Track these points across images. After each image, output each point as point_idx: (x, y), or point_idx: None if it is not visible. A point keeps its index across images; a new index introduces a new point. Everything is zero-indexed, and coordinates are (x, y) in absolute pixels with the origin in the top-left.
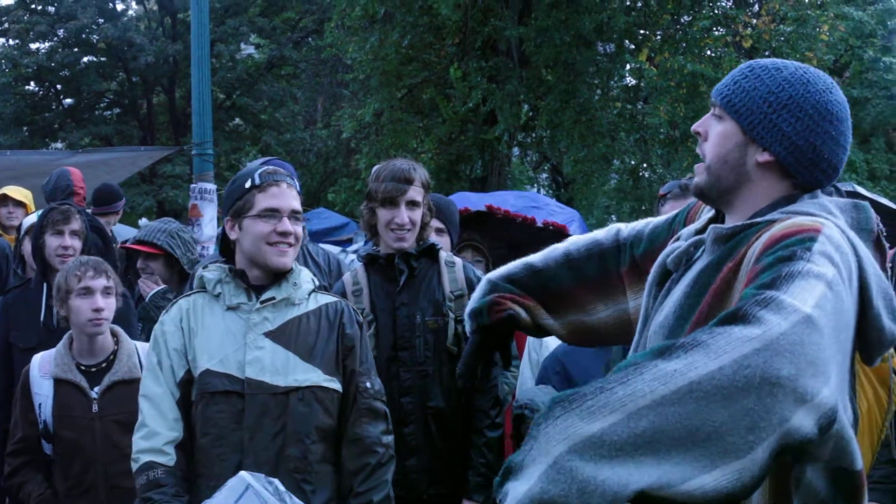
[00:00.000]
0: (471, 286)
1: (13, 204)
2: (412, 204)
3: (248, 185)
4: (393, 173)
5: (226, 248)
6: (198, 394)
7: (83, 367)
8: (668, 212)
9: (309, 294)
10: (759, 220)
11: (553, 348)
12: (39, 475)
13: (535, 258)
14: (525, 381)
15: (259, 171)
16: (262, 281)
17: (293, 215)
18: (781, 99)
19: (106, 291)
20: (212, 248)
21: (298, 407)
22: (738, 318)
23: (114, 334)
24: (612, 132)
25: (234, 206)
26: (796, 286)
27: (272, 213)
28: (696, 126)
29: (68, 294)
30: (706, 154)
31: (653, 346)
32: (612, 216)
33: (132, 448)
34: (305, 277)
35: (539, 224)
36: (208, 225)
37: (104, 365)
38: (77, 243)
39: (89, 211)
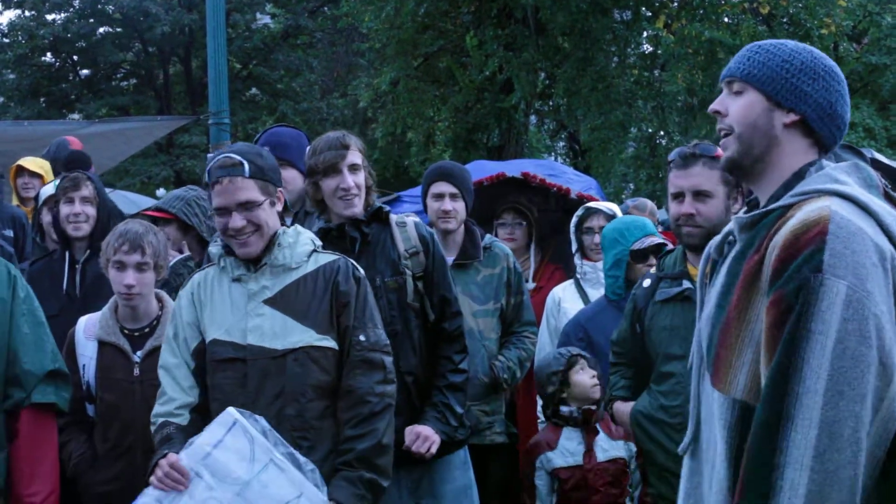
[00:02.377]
0: (424, 242)
1: (29, 175)
2: (354, 168)
3: (206, 179)
4: (329, 142)
5: None
6: (208, 362)
7: (127, 331)
8: (671, 182)
9: (309, 255)
10: (773, 207)
11: (571, 314)
12: (83, 435)
13: None
14: (543, 346)
15: (209, 165)
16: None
17: (242, 207)
18: (796, 64)
19: (139, 267)
20: None
21: (294, 368)
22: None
23: (159, 299)
24: (629, 100)
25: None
26: (815, 341)
27: (221, 212)
28: (714, 106)
29: (108, 262)
30: (732, 125)
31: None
32: (630, 184)
33: (151, 416)
34: (304, 240)
35: (573, 196)
36: None
37: (147, 330)
38: (89, 209)
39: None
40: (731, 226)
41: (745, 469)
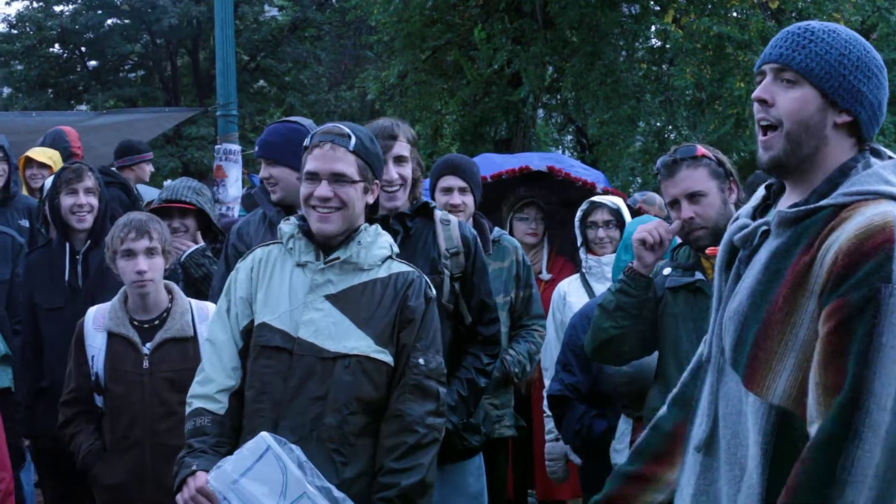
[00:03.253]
0: (466, 244)
1: (37, 166)
2: (399, 159)
3: (306, 143)
4: (376, 131)
5: None
6: (253, 345)
7: (136, 323)
8: (664, 192)
9: (383, 261)
10: (823, 204)
11: (576, 308)
12: (91, 426)
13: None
14: (549, 340)
15: (313, 131)
16: (334, 241)
17: (336, 179)
18: (852, 60)
19: (149, 252)
20: (237, 210)
21: (343, 375)
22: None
23: (169, 291)
24: (637, 94)
25: (301, 164)
26: (887, 356)
27: (311, 177)
28: (759, 93)
29: (115, 254)
30: (781, 119)
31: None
32: (637, 178)
33: (189, 393)
34: (382, 242)
35: (599, 190)
36: (233, 186)
37: (157, 322)
38: (93, 200)
39: (114, 167)
40: (748, 212)
41: (798, 479)
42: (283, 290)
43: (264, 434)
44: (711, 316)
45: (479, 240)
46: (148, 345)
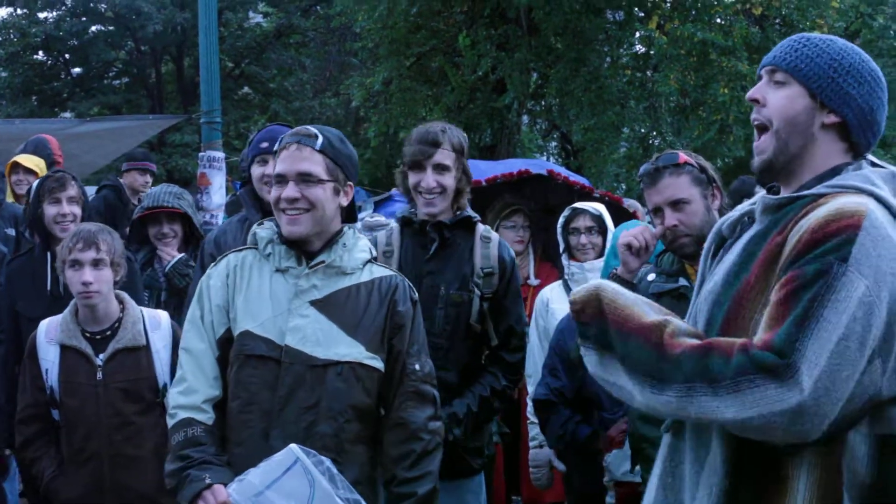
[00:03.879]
0: (502, 265)
1: (24, 172)
2: (440, 168)
3: (275, 148)
4: (421, 136)
5: None
6: (234, 354)
7: (88, 334)
8: (647, 200)
9: (364, 264)
10: (805, 192)
11: (559, 315)
12: (52, 449)
13: None
14: (532, 347)
15: (282, 135)
16: (312, 247)
17: (301, 179)
18: (844, 65)
19: (95, 263)
20: (220, 217)
21: (336, 382)
22: (776, 374)
23: (120, 301)
24: (621, 100)
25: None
26: (822, 328)
27: (278, 179)
28: (752, 94)
29: (63, 264)
30: (771, 118)
31: (715, 365)
32: (622, 184)
33: (169, 403)
34: (362, 246)
35: (596, 194)
36: (217, 193)
37: (108, 332)
38: (76, 209)
39: (124, 166)
40: (746, 205)
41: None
42: (264, 297)
43: (293, 446)
44: (692, 297)
45: (515, 262)
46: (101, 356)
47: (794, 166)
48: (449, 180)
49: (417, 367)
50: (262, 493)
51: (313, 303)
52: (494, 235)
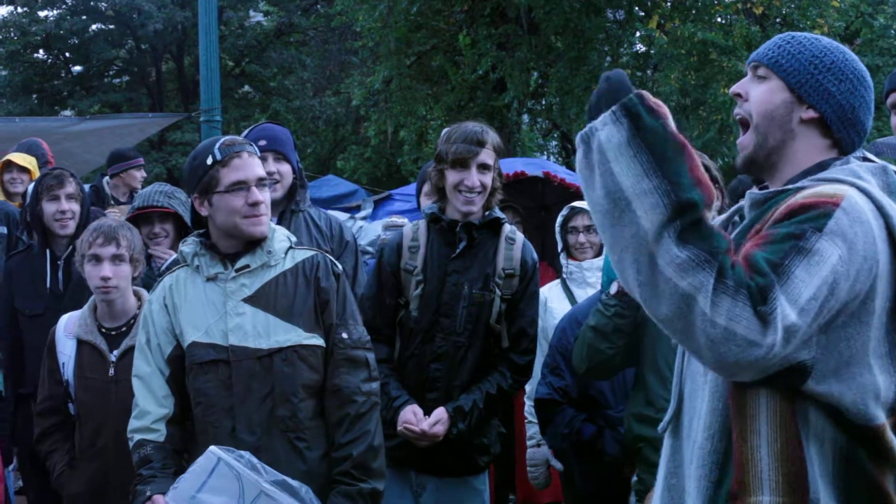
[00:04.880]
0: (524, 268)
1: (17, 170)
2: (483, 167)
3: (209, 161)
4: (465, 135)
5: (197, 221)
6: (188, 366)
7: (104, 330)
8: None
9: (286, 252)
10: (790, 186)
11: (557, 314)
12: (67, 444)
13: None
14: None
15: (217, 144)
16: (235, 248)
17: (260, 183)
18: (825, 62)
19: (115, 259)
20: None
21: (283, 367)
22: (758, 300)
23: (138, 297)
24: None
25: (200, 183)
26: (797, 276)
27: (240, 186)
28: (735, 88)
29: (82, 258)
30: (751, 112)
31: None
32: None
33: (127, 429)
34: (280, 237)
35: None
36: None
37: (124, 329)
38: (75, 206)
39: (106, 175)
40: (738, 205)
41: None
42: (202, 307)
43: (213, 448)
44: None
45: (537, 265)
46: (115, 352)
47: (774, 160)
48: (489, 180)
49: (345, 335)
50: (195, 497)
51: (246, 300)
52: (519, 237)
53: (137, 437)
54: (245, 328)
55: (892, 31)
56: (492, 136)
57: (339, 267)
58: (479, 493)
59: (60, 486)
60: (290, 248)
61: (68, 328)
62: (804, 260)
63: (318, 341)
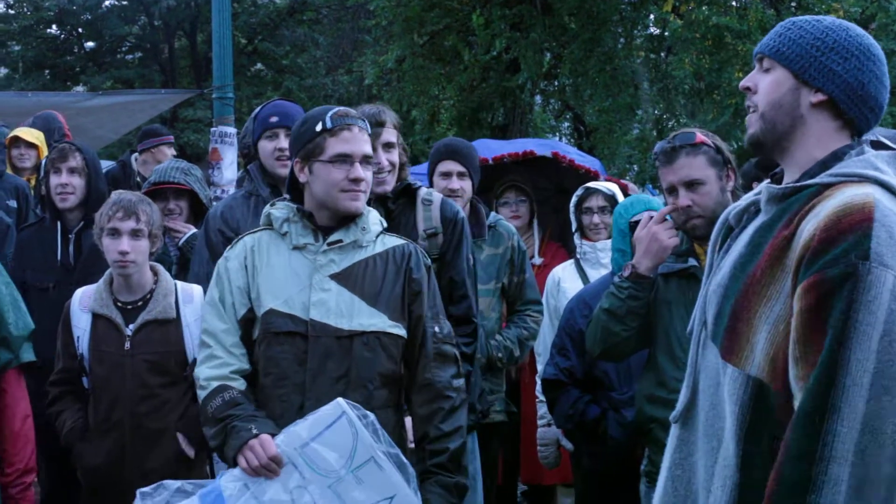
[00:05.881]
0: (445, 223)
1: (25, 146)
2: (388, 146)
3: (318, 128)
4: (365, 118)
5: (294, 187)
6: (261, 333)
7: (120, 304)
8: (661, 178)
9: (377, 236)
10: (809, 182)
11: (570, 294)
12: (77, 405)
13: None
14: (543, 325)
15: (330, 113)
16: (329, 222)
17: (365, 160)
18: (828, 43)
19: (134, 234)
20: (231, 192)
21: (363, 352)
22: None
23: (154, 272)
24: (636, 81)
25: (304, 148)
26: (861, 336)
27: (344, 159)
28: (744, 82)
29: (101, 231)
30: (758, 103)
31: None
32: (635, 166)
33: (199, 377)
34: (374, 219)
35: (602, 179)
36: (228, 168)
37: (140, 303)
38: (76, 180)
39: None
40: (751, 195)
41: (783, 458)
42: (285, 275)
43: (340, 400)
44: (702, 286)
45: (462, 217)
46: (131, 326)
47: (786, 144)
48: (396, 157)
49: (437, 329)
50: (307, 445)
51: (333, 276)
52: (436, 196)
53: (216, 383)
54: (328, 304)
55: None
56: (390, 115)
57: (429, 260)
58: (471, 459)
59: (70, 443)
60: (382, 232)
61: (83, 302)
62: (862, 300)
63: (401, 331)
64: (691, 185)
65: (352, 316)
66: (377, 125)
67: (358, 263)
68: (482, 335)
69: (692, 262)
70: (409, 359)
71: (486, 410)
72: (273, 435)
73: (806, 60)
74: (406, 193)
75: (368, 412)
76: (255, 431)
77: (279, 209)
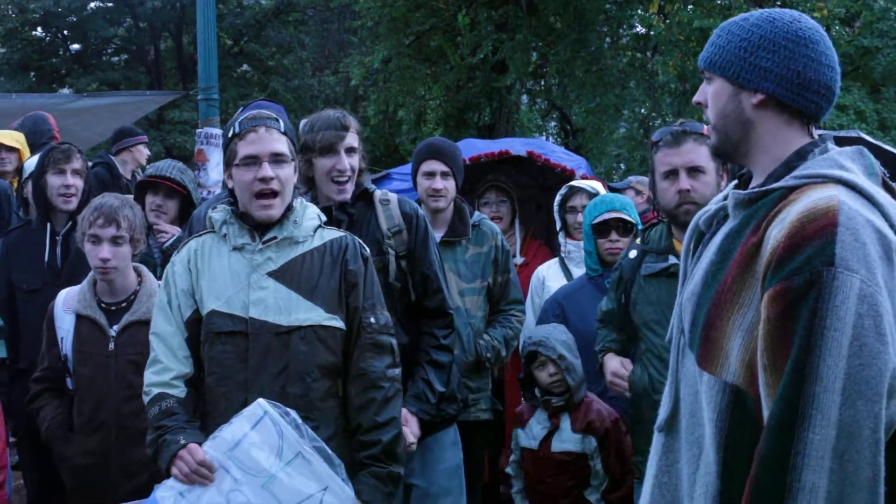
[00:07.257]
0: (408, 220)
1: (6, 150)
2: (350, 150)
3: (230, 134)
4: (329, 121)
5: (232, 191)
6: (205, 333)
7: (104, 305)
8: (661, 161)
9: (315, 230)
10: (774, 186)
11: (553, 291)
12: (56, 401)
13: None
14: (528, 323)
15: (240, 118)
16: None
17: (274, 158)
18: (753, 41)
19: (115, 240)
20: (218, 192)
21: (300, 346)
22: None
23: (138, 273)
24: (622, 81)
25: (226, 156)
26: (829, 342)
27: (252, 160)
28: (696, 98)
29: (83, 236)
30: (710, 117)
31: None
32: (622, 165)
33: (144, 384)
34: (311, 214)
35: (578, 177)
36: (214, 170)
37: (124, 304)
38: (79, 182)
39: (111, 152)
40: (719, 199)
41: (757, 469)
42: (225, 276)
43: (260, 401)
44: (678, 293)
45: (420, 213)
46: (114, 327)
47: (744, 149)
48: (356, 162)
49: (373, 319)
50: (235, 447)
51: (270, 274)
52: (392, 196)
53: (157, 390)
54: (266, 302)
55: (892, 14)
56: (352, 120)
57: (367, 251)
58: (454, 451)
59: (49, 439)
60: (320, 226)
61: (67, 303)
62: (828, 306)
63: (339, 323)
64: (694, 170)
65: (290, 311)
66: (341, 128)
67: (295, 259)
68: (470, 334)
69: (672, 259)
70: (347, 349)
71: (465, 399)
72: (200, 443)
73: (736, 65)
74: (363, 197)
75: (290, 410)
76: (182, 442)
77: (218, 212)
